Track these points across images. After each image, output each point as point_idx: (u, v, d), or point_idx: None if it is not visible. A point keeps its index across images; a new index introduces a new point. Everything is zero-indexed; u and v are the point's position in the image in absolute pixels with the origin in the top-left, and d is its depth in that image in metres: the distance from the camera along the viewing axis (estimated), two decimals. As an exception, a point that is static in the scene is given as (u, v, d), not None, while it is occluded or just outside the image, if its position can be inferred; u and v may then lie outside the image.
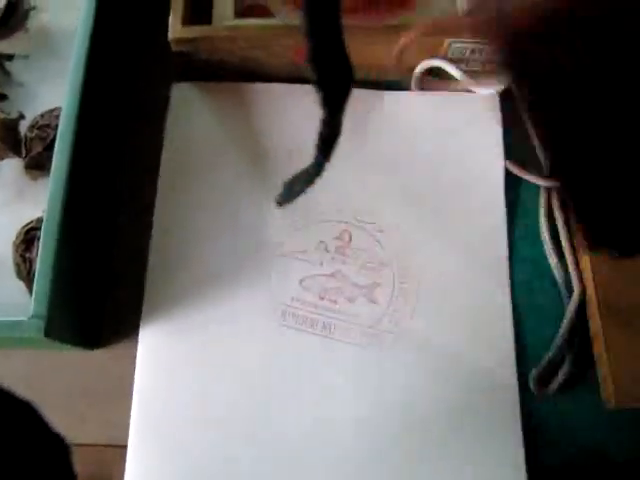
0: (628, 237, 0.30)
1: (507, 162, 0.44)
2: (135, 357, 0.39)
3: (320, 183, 0.43)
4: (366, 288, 0.41)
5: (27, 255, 0.39)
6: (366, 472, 0.37)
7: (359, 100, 0.46)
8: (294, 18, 0.42)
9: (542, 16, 0.26)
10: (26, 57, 0.47)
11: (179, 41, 0.42)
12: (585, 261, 0.41)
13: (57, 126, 0.38)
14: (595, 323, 0.40)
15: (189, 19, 0.42)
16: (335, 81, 0.29)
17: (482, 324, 0.40)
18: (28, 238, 0.39)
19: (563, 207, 0.43)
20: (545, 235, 0.43)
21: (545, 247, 0.43)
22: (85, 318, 0.40)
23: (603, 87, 0.26)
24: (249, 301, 0.40)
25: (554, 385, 0.39)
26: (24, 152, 0.42)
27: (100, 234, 0.43)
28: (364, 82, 0.45)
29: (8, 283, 0.39)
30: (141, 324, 0.40)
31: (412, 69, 0.46)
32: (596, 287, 0.40)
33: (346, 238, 0.42)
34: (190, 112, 0.45)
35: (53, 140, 0.38)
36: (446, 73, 0.45)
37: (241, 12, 0.44)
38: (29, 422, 0.23)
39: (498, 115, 0.45)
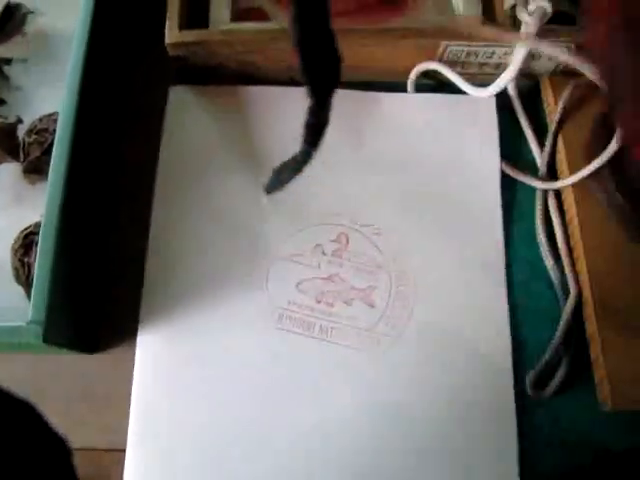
0: None
1: (503, 164, 0.44)
2: (133, 361, 0.39)
3: (317, 186, 0.43)
4: (363, 291, 0.41)
5: (26, 260, 0.39)
6: (364, 474, 0.37)
7: (356, 102, 0.46)
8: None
9: None
10: (24, 61, 0.47)
11: (176, 45, 0.42)
12: (581, 263, 0.41)
13: (55, 130, 0.38)
14: (591, 325, 0.40)
15: (186, 23, 0.43)
16: (322, 68, 0.28)
17: (479, 327, 0.40)
18: (27, 243, 0.39)
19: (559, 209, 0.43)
20: (541, 237, 0.43)
21: (541, 249, 0.43)
22: (83, 322, 0.40)
23: None
24: (246, 304, 0.40)
25: (551, 387, 0.39)
26: (22, 156, 0.42)
27: (98, 238, 0.43)
28: (360, 84, 0.46)
29: (7, 288, 0.39)
30: (139, 328, 0.40)
31: (408, 72, 0.46)
32: (592, 289, 0.40)
33: (343, 241, 0.42)
34: (187, 115, 0.45)
35: (51, 144, 0.38)
36: (442, 75, 0.45)
37: (237, 16, 0.44)
38: (29, 422, 0.23)
39: (494, 117, 0.45)
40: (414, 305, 0.41)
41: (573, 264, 0.42)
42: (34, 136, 0.42)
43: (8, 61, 0.47)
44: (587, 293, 0.40)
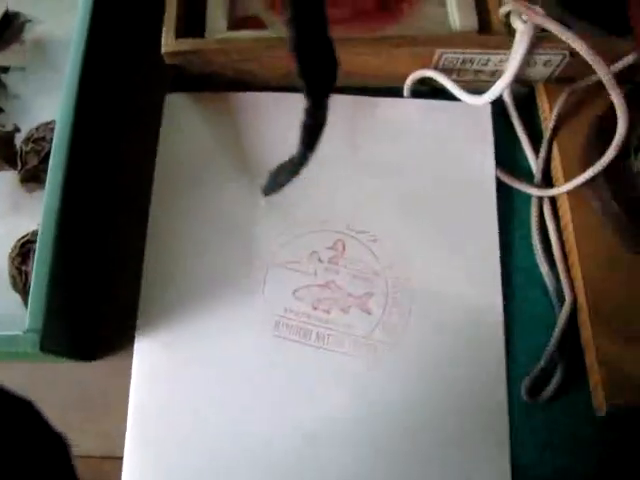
0: None
1: (498, 171, 0.44)
2: (130, 369, 0.39)
3: (313, 193, 0.43)
4: (359, 298, 0.41)
5: (23, 268, 0.39)
6: (360, 481, 0.38)
7: (352, 106, 0.46)
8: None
9: None
10: (22, 69, 0.48)
11: (172, 54, 0.42)
12: (576, 270, 0.41)
13: (52, 139, 0.38)
14: (586, 331, 0.40)
15: (182, 32, 0.43)
16: (319, 69, 0.28)
17: (474, 333, 0.40)
18: (24, 251, 0.39)
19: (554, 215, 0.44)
20: (536, 243, 0.43)
21: (537, 255, 0.43)
22: (80, 330, 0.40)
23: None
24: (243, 312, 0.40)
25: (546, 393, 0.39)
26: (20, 165, 0.43)
27: (95, 246, 0.43)
28: (356, 89, 0.46)
29: (4, 296, 0.40)
30: (136, 335, 0.40)
31: (403, 79, 0.46)
32: (587, 295, 0.40)
33: (339, 248, 0.42)
34: (183, 122, 0.45)
35: (48, 153, 0.38)
36: (438, 83, 0.45)
37: (234, 24, 0.45)
38: (29, 421, 0.23)
39: (490, 124, 0.46)
40: (411, 312, 0.41)
41: (568, 271, 0.42)
42: (31, 144, 0.42)
43: (6, 69, 0.47)
44: (582, 300, 0.40)
